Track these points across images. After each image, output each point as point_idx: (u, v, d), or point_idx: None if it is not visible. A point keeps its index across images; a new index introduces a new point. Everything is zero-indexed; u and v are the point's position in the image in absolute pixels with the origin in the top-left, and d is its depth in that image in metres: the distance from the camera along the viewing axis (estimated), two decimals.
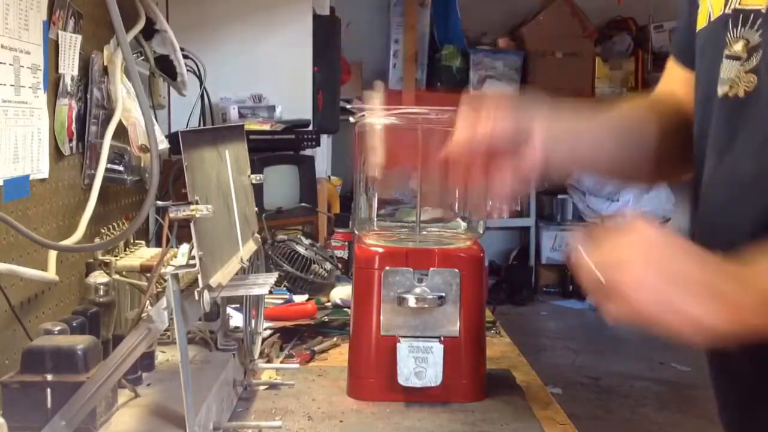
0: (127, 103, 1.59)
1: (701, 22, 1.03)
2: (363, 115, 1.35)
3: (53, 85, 1.38)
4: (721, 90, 0.95)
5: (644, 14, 5.23)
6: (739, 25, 0.95)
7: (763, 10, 0.91)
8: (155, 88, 2.03)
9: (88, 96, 1.53)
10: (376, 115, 1.33)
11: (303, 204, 2.40)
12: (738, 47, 0.94)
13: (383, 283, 1.31)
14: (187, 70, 2.00)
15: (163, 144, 1.81)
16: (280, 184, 2.36)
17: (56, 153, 1.41)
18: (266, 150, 2.35)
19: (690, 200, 1.04)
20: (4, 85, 1.18)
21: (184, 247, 1.02)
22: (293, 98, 2.66)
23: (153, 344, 1.18)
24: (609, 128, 1.06)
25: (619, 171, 1.11)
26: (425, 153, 1.37)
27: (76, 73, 1.46)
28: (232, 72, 2.61)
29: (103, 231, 1.35)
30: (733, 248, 0.80)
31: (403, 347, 1.29)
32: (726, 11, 0.97)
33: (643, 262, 0.79)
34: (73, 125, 1.47)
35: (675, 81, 1.15)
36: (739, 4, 0.95)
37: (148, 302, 1.04)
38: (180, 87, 1.98)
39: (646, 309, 0.77)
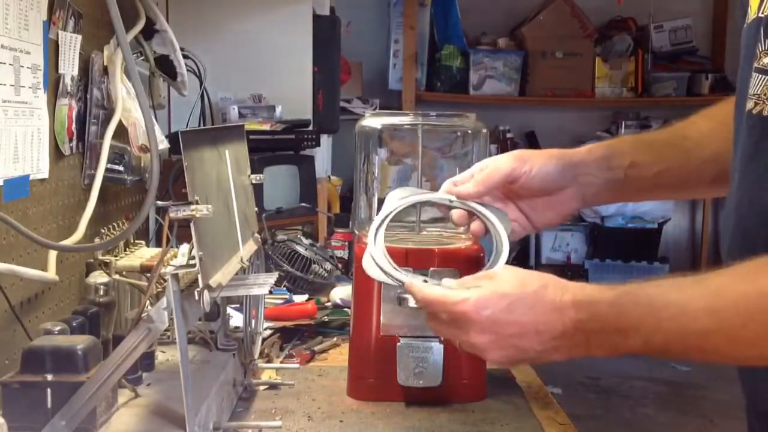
0: (127, 103, 1.59)
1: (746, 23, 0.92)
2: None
3: (53, 85, 1.38)
4: (749, 105, 0.86)
5: (644, 14, 5.21)
6: None
7: None
8: (155, 88, 2.03)
9: (88, 96, 1.53)
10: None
11: (303, 204, 2.40)
12: (767, 60, 0.84)
13: (383, 284, 1.30)
14: (187, 70, 2.00)
15: (163, 144, 1.81)
16: (280, 184, 2.36)
17: (56, 153, 1.40)
18: (266, 150, 2.35)
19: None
20: (4, 85, 1.18)
21: (184, 247, 1.02)
22: (293, 98, 2.65)
23: (153, 344, 1.18)
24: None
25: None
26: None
27: (76, 73, 1.46)
28: (232, 72, 2.61)
29: (103, 231, 1.35)
30: None
31: (403, 347, 1.29)
32: (760, 14, 0.86)
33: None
34: (73, 125, 1.47)
35: None
36: None
37: (148, 302, 1.04)
38: (180, 87, 1.97)
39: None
